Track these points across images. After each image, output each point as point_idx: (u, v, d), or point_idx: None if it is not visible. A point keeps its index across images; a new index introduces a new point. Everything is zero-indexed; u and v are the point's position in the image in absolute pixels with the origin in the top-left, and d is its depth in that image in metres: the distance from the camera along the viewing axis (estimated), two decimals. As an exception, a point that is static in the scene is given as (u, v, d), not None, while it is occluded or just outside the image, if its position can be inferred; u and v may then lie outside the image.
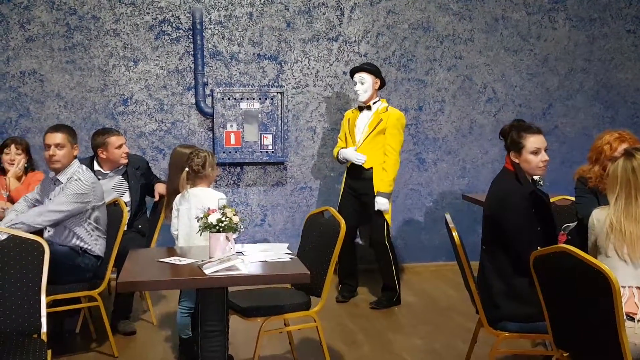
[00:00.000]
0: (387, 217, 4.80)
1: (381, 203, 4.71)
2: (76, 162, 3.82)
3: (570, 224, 3.40)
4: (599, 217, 2.71)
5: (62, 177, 3.74)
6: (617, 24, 6.09)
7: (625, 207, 2.61)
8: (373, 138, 4.75)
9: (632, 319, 2.48)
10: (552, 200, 3.46)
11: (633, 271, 2.56)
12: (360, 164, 4.76)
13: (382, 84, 4.87)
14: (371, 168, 4.76)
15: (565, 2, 5.98)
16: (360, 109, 4.87)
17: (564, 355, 2.64)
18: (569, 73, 6.08)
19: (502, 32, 5.92)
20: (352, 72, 4.89)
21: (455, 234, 3.22)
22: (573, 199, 3.71)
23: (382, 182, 4.72)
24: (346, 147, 4.90)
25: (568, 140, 6.09)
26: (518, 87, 6.02)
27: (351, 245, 4.94)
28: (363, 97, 4.79)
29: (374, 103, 4.81)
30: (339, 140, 5.06)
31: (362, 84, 4.77)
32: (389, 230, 4.83)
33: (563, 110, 6.12)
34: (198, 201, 3.47)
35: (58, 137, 3.72)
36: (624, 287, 2.49)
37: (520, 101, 6.03)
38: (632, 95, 6.21)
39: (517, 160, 3.12)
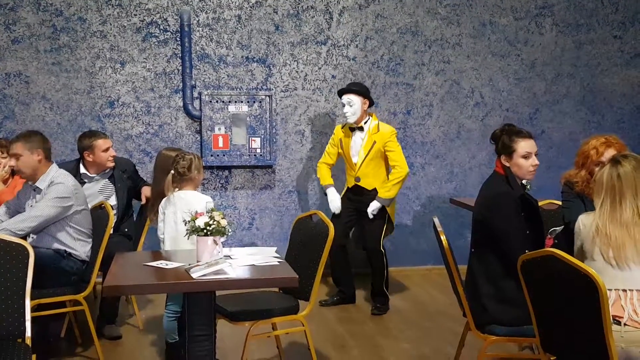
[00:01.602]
0: (393, 218, 4.83)
1: (374, 207, 4.70)
2: (54, 167, 3.77)
3: (557, 228, 3.41)
4: (585, 222, 2.74)
5: (42, 184, 3.69)
6: (603, 30, 6.14)
7: (611, 212, 2.64)
8: (370, 161, 4.74)
9: (619, 323, 2.49)
10: (539, 204, 3.47)
11: (619, 274, 2.57)
12: (334, 211, 4.82)
13: (371, 103, 4.82)
14: (374, 189, 4.76)
15: (552, 7, 6.02)
16: (352, 129, 4.83)
17: (551, 359, 2.64)
18: (556, 78, 6.12)
19: (490, 37, 5.95)
20: (340, 93, 4.85)
21: (443, 237, 3.23)
22: (560, 203, 3.73)
23: (382, 189, 4.71)
24: (345, 163, 4.91)
25: (555, 145, 6.13)
26: (505, 91, 6.05)
27: (344, 251, 4.93)
28: (352, 119, 4.74)
29: (365, 123, 4.77)
30: (327, 155, 4.99)
31: (350, 105, 4.70)
32: (386, 236, 4.87)
33: (550, 115, 6.16)
34: (184, 204, 3.44)
35: (14, 148, 3.71)
36: (610, 289, 2.50)
37: (508, 106, 6.07)
38: (619, 100, 6.26)
39: (507, 164, 3.14)
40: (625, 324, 2.49)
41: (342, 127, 4.90)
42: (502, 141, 3.15)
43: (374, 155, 4.72)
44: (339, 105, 5.64)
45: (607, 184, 2.68)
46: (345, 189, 4.98)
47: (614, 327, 2.38)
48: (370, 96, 4.81)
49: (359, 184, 4.80)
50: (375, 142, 4.70)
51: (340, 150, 4.91)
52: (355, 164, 4.78)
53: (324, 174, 4.97)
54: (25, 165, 3.68)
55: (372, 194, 4.74)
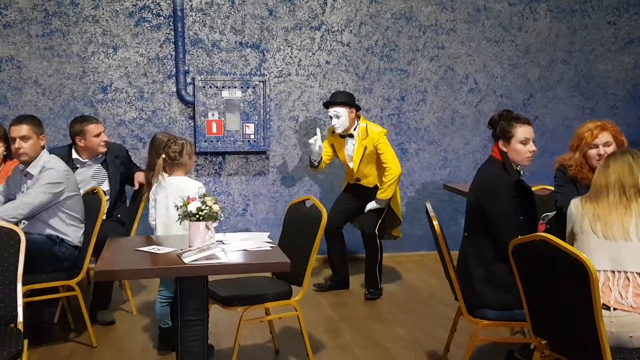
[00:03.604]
0: (398, 212, 4.88)
1: (371, 207, 4.77)
2: (45, 152, 3.74)
3: (549, 214, 3.42)
4: (576, 203, 2.79)
5: (33, 170, 3.66)
6: (597, 15, 6.13)
7: (599, 192, 2.71)
8: (365, 165, 4.79)
9: (608, 308, 2.51)
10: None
11: (607, 247, 2.59)
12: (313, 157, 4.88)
13: (358, 109, 4.81)
14: (375, 186, 4.81)
15: (547, -7, 6.00)
16: (343, 136, 4.85)
17: (542, 342, 2.66)
18: (550, 64, 6.11)
19: (484, 22, 5.93)
20: (325, 106, 4.85)
21: (435, 222, 3.23)
22: (552, 188, 3.73)
23: (378, 191, 4.76)
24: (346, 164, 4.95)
25: (548, 131, 6.13)
26: (499, 77, 6.04)
27: (340, 235, 4.96)
28: (341, 130, 4.76)
29: (354, 129, 4.78)
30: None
31: (337, 117, 4.71)
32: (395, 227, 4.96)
33: (544, 101, 6.15)
34: (176, 190, 3.42)
35: (23, 129, 3.62)
36: (599, 270, 2.51)
37: (502, 92, 6.06)
38: (612, 86, 6.26)
39: (505, 149, 3.16)
40: (614, 309, 2.51)
41: (333, 133, 4.90)
42: (501, 126, 3.17)
43: (367, 160, 4.77)
44: (333, 91, 5.62)
45: (597, 173, 2.77)
46: (346, 184, 5.06)
47: (604, 312, 2.39)
48: (357, 104, 4.82)
49: (359, 183, 4.90)
50: (365, 147, 4.74)
51: (334, 152, 4.99)
52: (352, 169, 4.86)
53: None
54: (32, 149, 3.64)
55: (374, 190, 4.81)
